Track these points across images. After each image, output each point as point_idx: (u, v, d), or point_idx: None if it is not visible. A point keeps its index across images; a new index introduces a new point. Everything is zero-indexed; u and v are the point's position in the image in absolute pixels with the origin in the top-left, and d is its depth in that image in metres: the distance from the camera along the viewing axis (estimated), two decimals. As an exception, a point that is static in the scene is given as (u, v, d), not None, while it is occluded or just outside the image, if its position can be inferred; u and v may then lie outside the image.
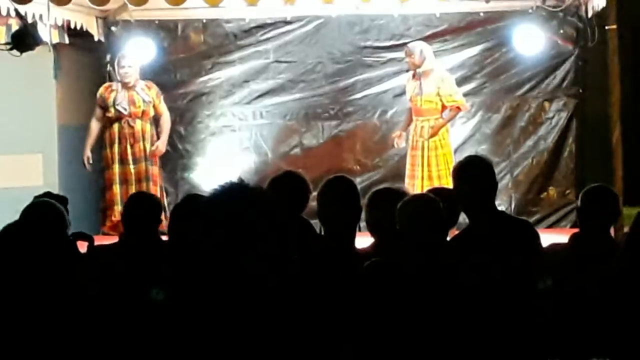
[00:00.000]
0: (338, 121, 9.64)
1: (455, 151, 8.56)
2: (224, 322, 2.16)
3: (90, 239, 4.62)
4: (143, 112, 8.35)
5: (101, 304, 4.00)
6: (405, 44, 8.81)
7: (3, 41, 7.45)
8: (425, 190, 6.48)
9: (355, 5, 9.10)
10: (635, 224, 3.93)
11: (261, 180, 7.85)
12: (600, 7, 7.99)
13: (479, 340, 3.73)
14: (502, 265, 4.04)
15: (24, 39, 6.96)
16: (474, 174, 4.37)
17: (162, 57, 9.36)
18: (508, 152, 9.49)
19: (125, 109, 8.29)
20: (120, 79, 8.38)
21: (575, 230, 4.55)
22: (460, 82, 8.83)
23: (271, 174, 5.58)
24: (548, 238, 4.70)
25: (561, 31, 9.32)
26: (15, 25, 7.40)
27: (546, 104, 9.50)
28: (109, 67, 9.15)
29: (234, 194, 2.20)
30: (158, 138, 8.56)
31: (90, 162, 8.40)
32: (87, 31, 9.01)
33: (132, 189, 8.21)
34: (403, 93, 8.77)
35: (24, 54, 7.02)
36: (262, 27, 9.57)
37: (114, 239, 4.93)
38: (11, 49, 6.96)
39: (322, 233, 4.40)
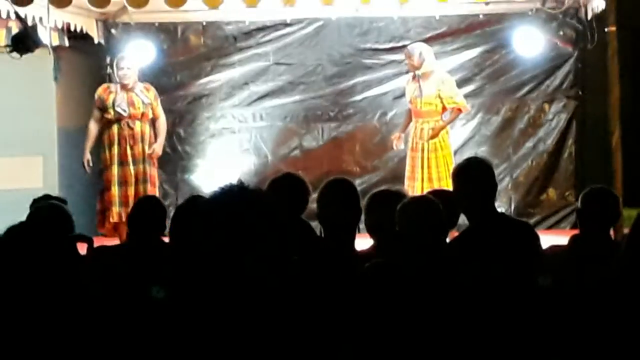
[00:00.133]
0: (338, 123, 9.64)
1: (455, 153, 8.55)
2: (225, 323, 2.16)
3: (89, 241, 4.63)
4: (142, 114, 8.33)
5: (104, 306, 4.00)
6: (404, 46, 8.79)
7: (3, 44, 7.47)
8: (425, 191, 6.48)
9: (355, 7, 9.11)
10: (635, 225, 3.91)
11: (261, 182, 7.84)
12: (600, 9, 8.00)
13: (479, 341, 3.73)
14: (502, 267, 4.04)
15: (24, 41, 6.96)
16: (473, 175, 4.37)
17: (162, 60, 9.36)
18: (508, 154, 9.50)
19: (124, 111, 8.28)
20: (119, 81, 8.36)
21: (575, 231, 4.55)
22: (459, 84, 8.82)
23: (271, 176, 5.57)
24: (548, 240, 4.71)
25: (561, 33, 9.33)
26: (15, 28, 7.42)
27: (546, 106, 9.51)
28: (108, 70, 9.13)
29: (234, 195, 2.20)
30: (156, 140, 8.55)
31: (91, 164, 8.38)
32: (87, 34, 9.01)
33: (131, 191, 8.19)
34: (403, 95, 8.76)
35: (24, 57, 7.02)
36: (261, 29, 9.58)
37: (112, 241, 4.94)
38: (11, 51, 6.96)
39: (322, 235, 4.40)
